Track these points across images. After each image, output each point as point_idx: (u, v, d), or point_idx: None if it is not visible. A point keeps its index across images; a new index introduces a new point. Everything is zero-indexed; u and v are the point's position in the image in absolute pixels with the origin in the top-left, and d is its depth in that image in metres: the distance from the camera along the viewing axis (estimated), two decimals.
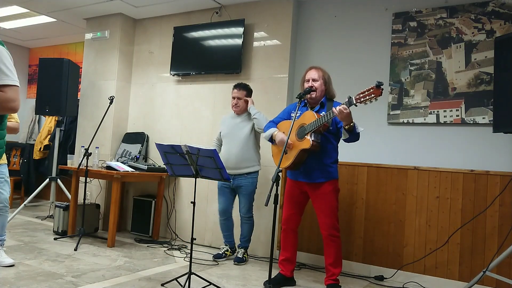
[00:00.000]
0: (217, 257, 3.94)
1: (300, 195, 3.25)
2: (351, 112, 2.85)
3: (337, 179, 3.21)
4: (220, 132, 4.08)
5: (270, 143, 3.38)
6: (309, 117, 3.02)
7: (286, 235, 3.28)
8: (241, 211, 3.90)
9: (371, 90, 2.68)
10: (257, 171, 3.93)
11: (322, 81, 3.19)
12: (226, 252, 3.99)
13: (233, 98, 3.93)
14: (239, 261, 3.86)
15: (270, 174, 4.10)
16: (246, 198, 3.87)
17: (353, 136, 2.97)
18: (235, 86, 3.95)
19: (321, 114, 2.97)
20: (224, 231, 4.02)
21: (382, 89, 2.66)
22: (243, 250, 3.92)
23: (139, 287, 2.99)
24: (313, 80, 3.18)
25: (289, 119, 3.26)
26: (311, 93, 3.15)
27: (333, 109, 2.84)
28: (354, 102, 2.76)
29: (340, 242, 3.16)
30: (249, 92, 3.97)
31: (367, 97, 2.70)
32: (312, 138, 2.96)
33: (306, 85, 3.19)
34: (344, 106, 2.80)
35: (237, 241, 4.05)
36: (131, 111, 5.32)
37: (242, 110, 3.94)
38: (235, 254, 3.97)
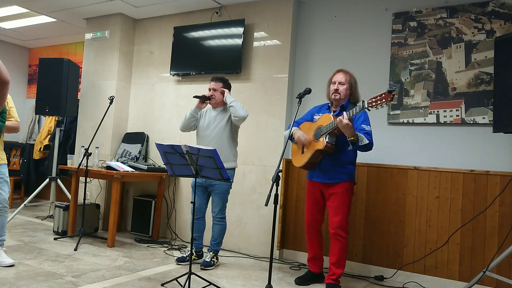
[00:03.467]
0: (180, 260, 3.68)
1: (318, 196, 3.29)
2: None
3: (353, 181, 3.22)
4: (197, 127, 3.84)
5: (290, 141, 3.41)
6: (326, 119, 3.10)
7: (310, 236, 3.35)
8: (213, 211, 3.67)
9: (383, 95, 2.74)
10: (233, 168, 3.67)
11: (348, 85, 3.23)
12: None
13: (209, 90, 3.78)
14: (207, 265, 3.57)
15: (270, 174, 4.11)
16: (219, 197, 3.64)
17: (358, 147, 3.04)
18: (212, 79, 3.81)
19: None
20: (193, 232, 3.85)
21: (394, 95, 2.73)
22: (212, 254, 3.66)
23: (139, 287, 2.99)
24: (340, 83, 3.21)
25: (312, 121, 3.32)
26: (335, 94, 3.20)
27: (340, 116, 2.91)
28: (367, 106, 2.83)
29: (346, 243, 3.15)
30: (226, 84, 3.80)
31: (379, 102, 2.76)
32: (327, 140, 3.02)
33: (332, 87, 3.24)
34: (341, 117, 2.87)
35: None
36: (131, 111, 5.32)
37: (218, 102, 3.77)
38: (203, 258, 3.70)
